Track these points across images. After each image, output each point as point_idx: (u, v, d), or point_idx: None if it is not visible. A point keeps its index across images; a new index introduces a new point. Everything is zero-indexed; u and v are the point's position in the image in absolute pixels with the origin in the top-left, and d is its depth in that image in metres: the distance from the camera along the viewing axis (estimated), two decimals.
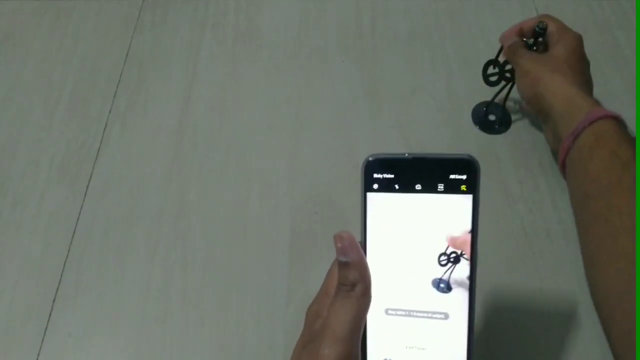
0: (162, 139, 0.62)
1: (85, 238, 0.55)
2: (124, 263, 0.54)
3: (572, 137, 0.47)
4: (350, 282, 0.30)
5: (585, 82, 0.52)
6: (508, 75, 0.58)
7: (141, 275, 0.53)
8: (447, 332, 0.30)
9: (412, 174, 0.30)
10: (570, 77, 0.51)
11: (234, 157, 0.60)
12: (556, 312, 0.49)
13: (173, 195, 0.58)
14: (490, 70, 0.59)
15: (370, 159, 0.30)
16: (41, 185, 0.59)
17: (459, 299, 0.30)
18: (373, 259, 0.31)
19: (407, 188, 0.30)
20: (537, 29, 0.54)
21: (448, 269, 0.30)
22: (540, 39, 0.55)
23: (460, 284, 0.30)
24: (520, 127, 0.61)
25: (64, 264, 0.54)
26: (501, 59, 0.58)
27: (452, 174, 0.29)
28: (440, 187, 0.29)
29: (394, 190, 0.30)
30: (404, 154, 0.30)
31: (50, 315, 0.51)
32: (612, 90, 0.63)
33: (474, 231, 0.29)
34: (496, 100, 0.61)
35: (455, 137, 0.61)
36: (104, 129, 0.63)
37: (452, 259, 0.30)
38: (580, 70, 0.52)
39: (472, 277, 0.30)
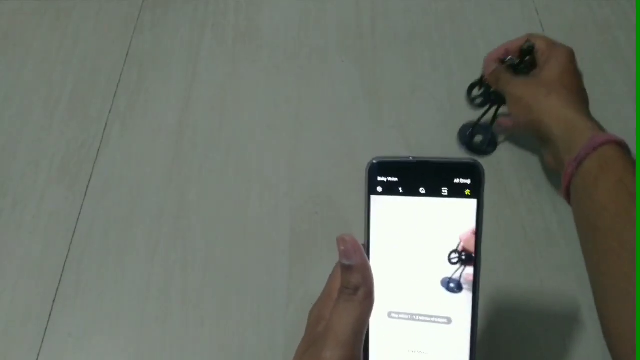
0: (162, 139, 0.62)
1: (85, 238, 0.55)
2: (124, 263, 0.54)
3: (575, 164, 0.45)
4: (353, 285, 0.30)
5: (581, 100, 0.50)
6: (494, 97, 0.56)
7: (141, 275, 0.53)
8: (450, 336, 0.30)
9: (416, 177, 0.29)
10: (565, 97, 0.48)
11: (234, 157, 0.60)
12: (556, 312, 0.49)
13: (173, 195, 0.58)
14: (475, 92, 0.57)
15: (375, 161, 0.30)
16: (41, 185, 0.59)
17: (463, 303, 0.30)
18: (376, 262, 0.31)
19: (411, 192, 0.30)
20: (524, 49, 0.52)
21: (458, 269, 0.30)
22: (527, 58, 0.52)
23: (469, 284, 0.30)
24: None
25: (64, 264, 0.54)
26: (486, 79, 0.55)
27: (457, 178, 0.29)
28: (445, 191, 0.29)
29: (397, 194, 0.30)
30: (408, 158, 0.29)
31: (50, 315, 0.51)
32: (612, 90, 0.63)
33: (477, 236, 0.29)
34: (483, 121, 0.59)
35: (455, 137, 0.61)
36: (104, 129, 0.63)
37: (463, 258, 0.29)
38: (576, 89, 0.50)
39: (475, 281, 0.30)
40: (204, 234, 0.55)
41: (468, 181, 0.29)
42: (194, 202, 0.57)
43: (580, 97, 0.49)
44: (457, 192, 0.29)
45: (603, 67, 0.65)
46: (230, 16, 0.74)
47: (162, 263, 0.54)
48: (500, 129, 0.58)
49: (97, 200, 0.58)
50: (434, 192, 0.29)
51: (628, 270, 0.39)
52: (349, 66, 0.68)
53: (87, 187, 0.59)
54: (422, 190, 0.29)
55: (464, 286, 0.30)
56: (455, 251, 0.30)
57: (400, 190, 0.30)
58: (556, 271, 0.51)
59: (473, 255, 0.29)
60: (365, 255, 0.31)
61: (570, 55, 0.51)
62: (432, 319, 0.30)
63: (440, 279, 0.30)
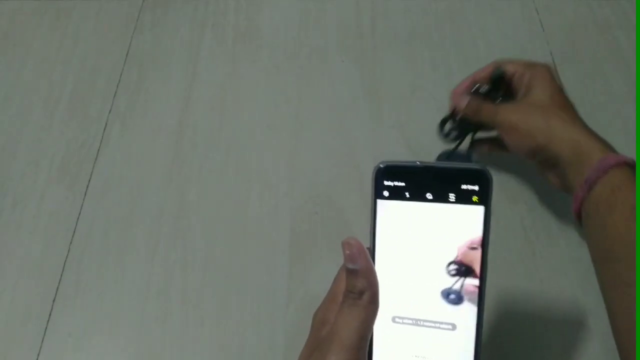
0: (162, 139, 0.62)
1: (85, 238, 0.55)
2: (124, 263, 0.54)
3: (585, 188, 0.43)
4: (358, 289, 0.30)
5: (578, 117, 0.48)
6: (469, 125, 0.53)
7: (141, 275, 0.53)
8: (455, 342, 0.30)
9: (424, 182, 0.29)
10: (565, 118, 0.46)
11: (234, 157, 0.60)
12: (557, 312, 0.49)
13: (173, 195, 0.58)
14: (448, 126, 0.55)
15: (381, 166, 0.30)
16: (41, 185, 0.59)
17: (467, 310, 0.30)
18: (381, 267, 0.31)
19: (418, 197, 0.29)
20: (494, 77, 0.50)
21: (457, 281, 0.29)
22: (499, 87, 0.50)
23: (470, 295, 0.29)
24: None
25: (64, 264, 0.54)
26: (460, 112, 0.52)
27: (464, 184, 0.29)
28: (452, 197, 0.29)
29: (404, 199, 0.30)
30: (415, 162, 0.29)
31: (50, 315, 0.51)
32: (612, 90, 0.63)
33: (484, 243, 0.29)
34: (459, 150, 0.56)
35: None
36: (104, 129, 0.63)
37: (462, 271, 0.29)
38: (569, 106, 0.48)
39: (481, 289, 0.29)
40: (204, 234, 0.55)
41: (476, 187, 0.29)
42: (194, 202, 0.57)
43: (575, 114, 0.48)
44: (464, 198, 0.29)
45: (603, 67, 0.64)
46: (230, 16, 0.74)
47: (162, 263, 0.54)
48: (478, 154, 0.56)
49: (97, 200, 0.58)
50: (441, 197, 0.29)
51: None
52: (349, 66, 0.68)
53: (87, 187, 0.59)
54: (429, 196, 0.29)
55: (465, 297, 0.29)
56: (453, 262, 0.29)
57: (407, 195, 0.30)
58: (556, 271, 0.51)
59: (471, 267, 0.29)
60: (371, 260, 0.31)
61: (551, 71, 0.49)
62: (437, 325, 0.30)
63: (440, 290, 0.30)
